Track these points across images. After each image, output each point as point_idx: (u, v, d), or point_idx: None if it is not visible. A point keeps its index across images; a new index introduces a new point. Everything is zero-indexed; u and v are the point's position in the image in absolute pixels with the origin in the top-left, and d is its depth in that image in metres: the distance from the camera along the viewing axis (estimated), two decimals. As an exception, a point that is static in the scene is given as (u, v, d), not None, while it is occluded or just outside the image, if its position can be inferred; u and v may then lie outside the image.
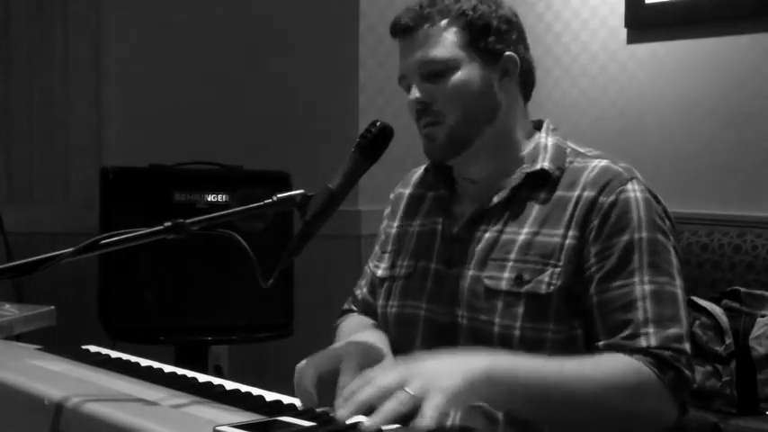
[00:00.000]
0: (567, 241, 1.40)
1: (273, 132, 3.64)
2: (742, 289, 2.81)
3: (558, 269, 1.39)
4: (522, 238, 1.43)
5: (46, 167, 3.56)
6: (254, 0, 3.68)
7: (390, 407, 1.06)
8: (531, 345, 1.38)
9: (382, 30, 3.69)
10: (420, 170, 1.68)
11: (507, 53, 1.48)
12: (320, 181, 1.38)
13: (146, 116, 3.62)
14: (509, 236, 1.45)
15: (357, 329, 1.60)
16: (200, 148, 3.38)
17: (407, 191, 1.67)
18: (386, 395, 1.08)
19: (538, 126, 1.57)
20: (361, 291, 1.72)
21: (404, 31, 1.49)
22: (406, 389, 1.08)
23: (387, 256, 1.63)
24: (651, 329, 1.33)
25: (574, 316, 1.40)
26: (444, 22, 1.46)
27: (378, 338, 1.50)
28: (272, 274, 1.30)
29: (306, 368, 1.30)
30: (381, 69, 3.61)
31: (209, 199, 3.08)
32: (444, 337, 1.47)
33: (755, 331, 2.70)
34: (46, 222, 3.46)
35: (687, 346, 1.35)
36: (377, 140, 1.40)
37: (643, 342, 1.33)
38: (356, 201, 3.48)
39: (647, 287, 1.36)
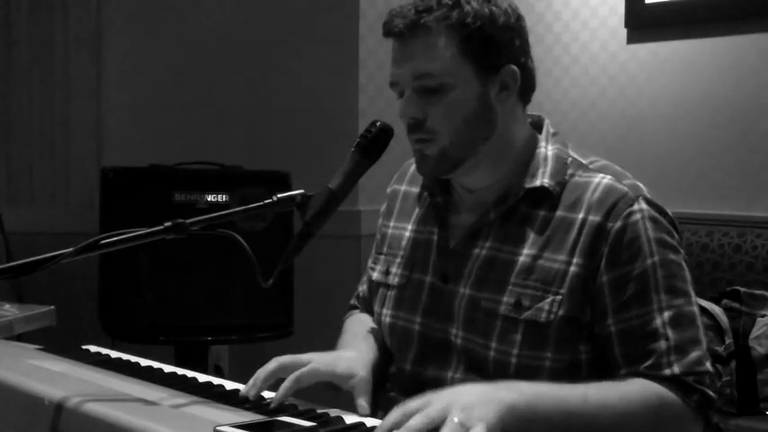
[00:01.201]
0: (572, 268, 1.36)
1: (273, 132, 3.64)
2: (742, 289, 2.80)
3: (559, 297, 1.36)
4: (521, 260, 1.39)
5: (46, 167, 3.55)
6: (254, 0, 3.68)
7: None
8: (527, 371, 1.36)
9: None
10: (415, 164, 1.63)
11: (507, 66, 1.41)
12: (320, 181, 1.38)
13: (146, 116, 3.62)
14: (507, 255, 1.41)
15: (352, 333, 1.59)
16: (200, 148, 3.37)
17: (403, 187, 1.64)
18: (434, 424, 1.09)
19: (536, 124, 1.51)
20: (363, 288, 1.73)
21: (399, 36, 1.40)
22: (453, 418, 1.09)
23: (381, 258, 1.61)
24: (673, 357, 1.33)
25: (579, 342, 1.38)
26: (443, 34, 1.37)
27: (361, 351, 1.49)
28: (272, 274, 1.30)
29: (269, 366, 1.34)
30: (381, 69, 3.61)
31: (209, 199, 3.08)
32: (438, 352, 1.45)
33: (755, 331, 2.70)
34: (46, 222, 3.45)
35: (708, 365, 1.35)
36: (377, 140, 1.39)
37: (667, 372, 1.32)
38: (356, 201, 3.48)
39: (666, 314, 1.34)
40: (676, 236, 1.40)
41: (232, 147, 3.51)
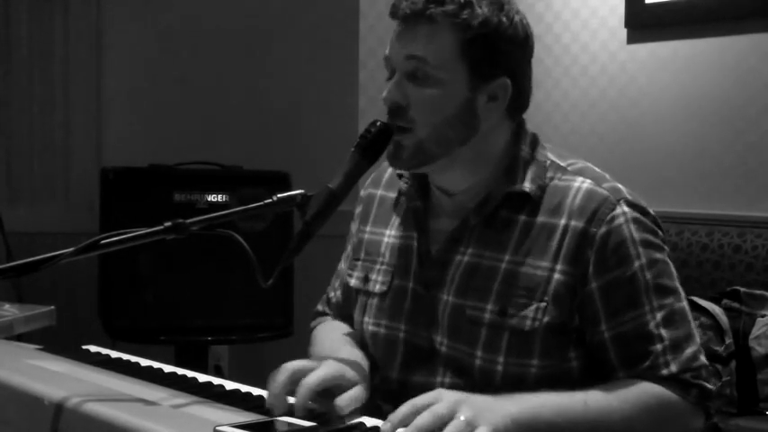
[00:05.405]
0: (556, 275, 1.35)
1: (273, 132, 3.64)
2: (742, 289, 2.80)
3: (543, 304, 1.35)
4: (504, 266, 1.38)
5: (46, 167, 3.55)
6: (254, 0, 3.68)
7: None
8: (513, 379, 1.35)
9: (382, 30, 3.71)
10: (390, 168, 1.59)
11: (501, 78, 1.39)
12: (320, 181, 1.38)
13: (146, 116, 3.62)
14: (490, 262, 1.40)
15: (333, 340, 1.55)
16: (200, 148, 3.38)
17: (379, 191, 1.61)
18: (442, 421, 1.12)
19: (517, 127, 1.47)
20: (335, 294, 1.68)
21: (404, 19, 1.39)
22: (460, 416, 1.12)
23: (359, 264, 1.57)
24: (670, 357, 1.34)
25: (567, 348, 1.37)
26: (447, 29, 1.36)
27: (356, 356, 1.44)
28: (272, 274, 1.30)
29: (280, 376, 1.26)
30: (381, 69, 3.60)
31: (209, 199, 3.08)
32: (424, 359, 1.44)
33: (755, 331, 2.70)
34: (46, 222, 3.45)
35: (703, 358, 1.37)
36: (377, 140, 1.39)
37: (664, 372, 1.34)
38: (356, 201, 3.48)
39: (659, 314, 1.35)
40: (660, 233, 1.41)
41: (232, 147, 3.51)
